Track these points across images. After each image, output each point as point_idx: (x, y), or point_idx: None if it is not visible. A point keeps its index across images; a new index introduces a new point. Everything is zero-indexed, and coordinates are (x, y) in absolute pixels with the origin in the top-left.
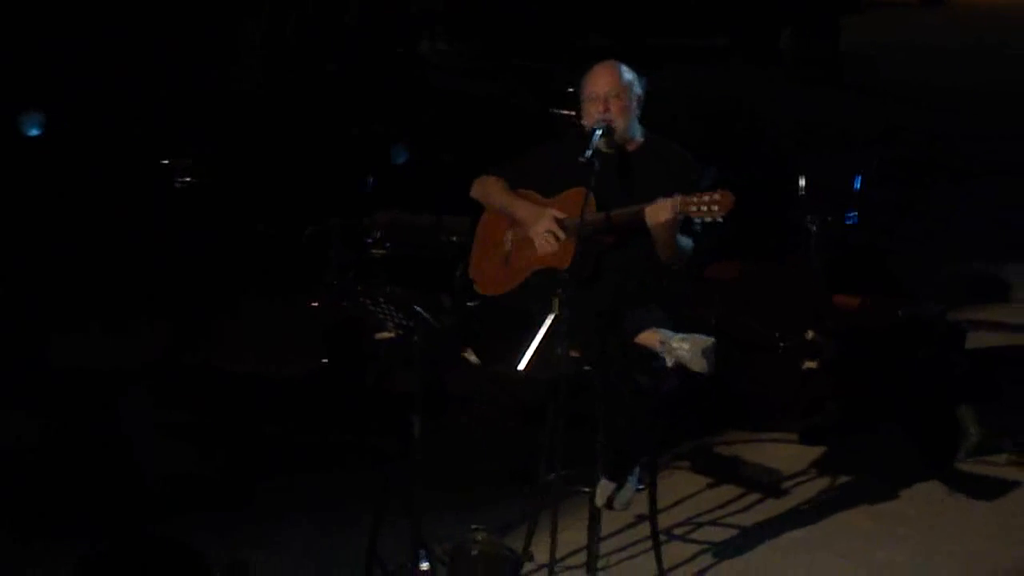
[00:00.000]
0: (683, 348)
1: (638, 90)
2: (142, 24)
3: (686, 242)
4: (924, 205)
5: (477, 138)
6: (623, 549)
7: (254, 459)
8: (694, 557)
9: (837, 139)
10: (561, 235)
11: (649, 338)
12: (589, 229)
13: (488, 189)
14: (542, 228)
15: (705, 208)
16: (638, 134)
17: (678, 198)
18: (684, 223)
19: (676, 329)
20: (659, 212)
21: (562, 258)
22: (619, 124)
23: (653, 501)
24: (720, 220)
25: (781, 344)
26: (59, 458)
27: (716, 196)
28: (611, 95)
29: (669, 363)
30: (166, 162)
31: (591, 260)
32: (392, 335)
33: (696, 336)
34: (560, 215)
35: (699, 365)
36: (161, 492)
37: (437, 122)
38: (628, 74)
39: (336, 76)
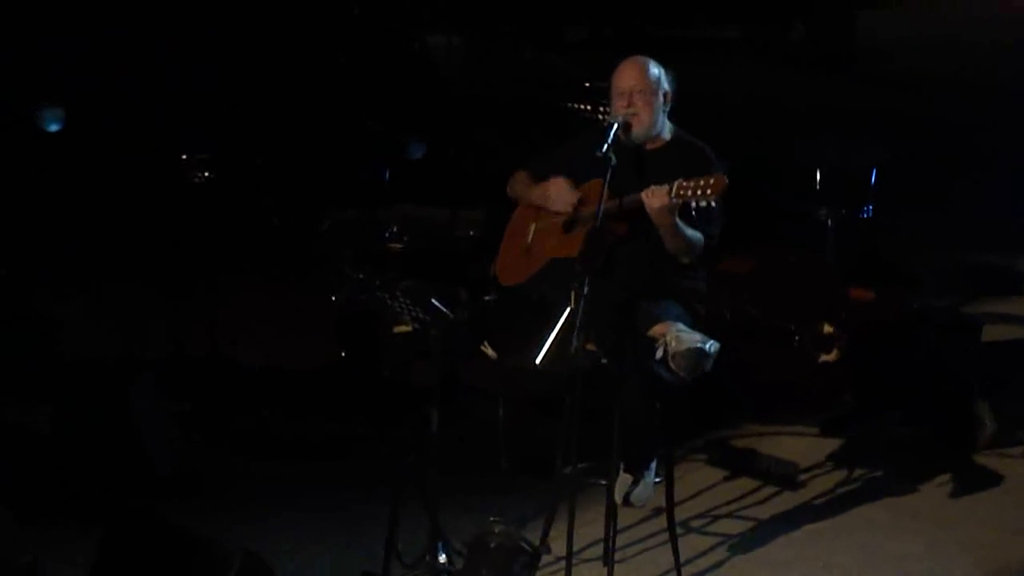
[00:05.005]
0: (672, 343)
1: (666, 86)
2: (156, 21)
3: (694, 234)
4: (940, 196)
5: (493, 133)
6: (640, 541)
7: (270, 451)
8: (711, 550)
9: (852, 131)
10: (573, 193)
11: (659, 331)
12: (597, 217)
13: (514, 183)
14: (553, 188)
15: (700, 192)
16: (665, 131)
17: (674, 183)
18: (683, 210)
19: (692, 324)
20: (655, 197)
21: (576, 247)
22: (644, 118)
23: (670, 494)
24: (713, 204)
25: (797, 337)
26: (70, 446)
27: (710, 180)
28: (635, 90)
29: (658, 354)
30: (184, 157)
31: (603, 250)
32: (409, 328)
33: (696, 335)
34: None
35: (679, 363)
36: (173, 481)
37: (453, 116)
38: (655, 69)
39: (349, 68)
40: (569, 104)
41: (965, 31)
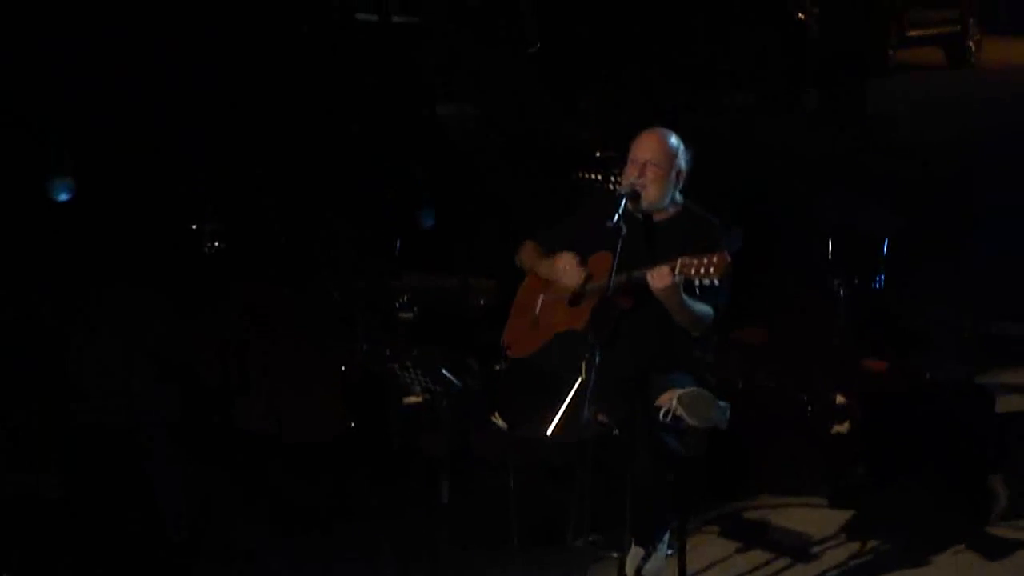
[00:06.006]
0: (681, 402)
1: (681, 163)
2: (170, 92)
3: (703, 308)
4: (952, 265)
5: (503, 200)
6: None
7: (279, 520)
8: None
9: (863, 201)
10: (581, 269)
11: (666, 398)
12: (605, 290)
13: (523, 253)
14: (561, 264)
15: (703, 270)
16: (673, 204)
17: (676, 261)
18: (687, 286)
19: None
20: (659, 277)
21: (581, 321)
22: (650, 191)
23: (682, 567)
24: (716, 283)
25: (809, 408)
26: (82, 511)
27: (713, 258)
28: (651, 162)
29: (663, 414)
30: (194, 227)
31: (610, 323)
32: (420, 399)
33: (700, 391)
34: (577, 266)
35: (693, 416)
36: (185, 547)
37: (462, 184)
38: (674, 144)
39: (360, 137)
40: (580, 173)
41: (972, 99)
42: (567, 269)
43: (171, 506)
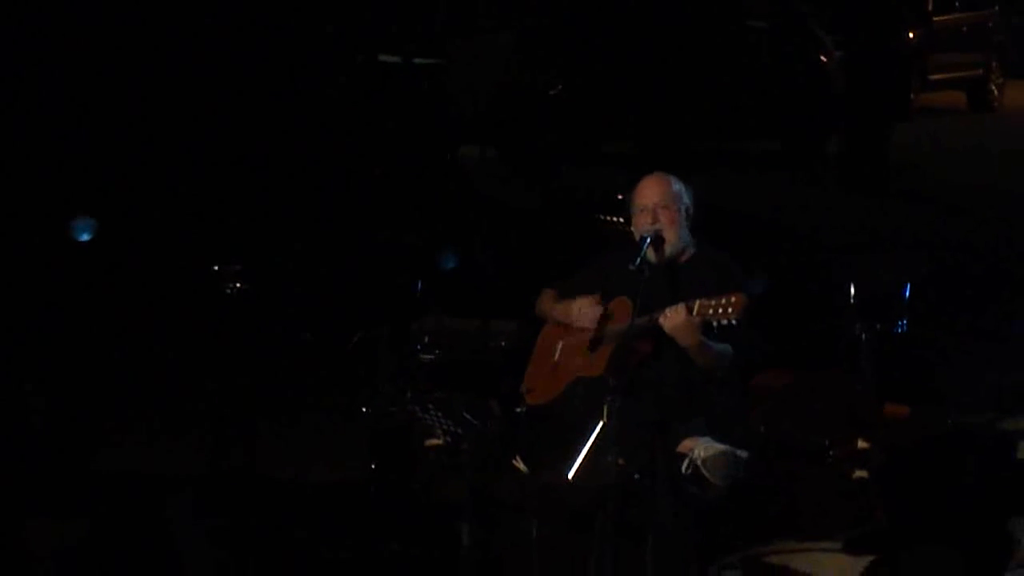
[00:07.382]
0: (705, 466)
1: (687, 200)
2: (190, 138)
3: (722, 347)
4: (974, 311)
5: (524, 243)
6: None
7: (299, 565)
8: None
9: (886, 245)
10: (597, 308)
11: (687, 447)
12: (625, 334)
13: (540, 301)
14: (576, 307)
15: (721, 311)
16: (690, 244)
17: (694, 302)
18: (706, 328)
19: (722, 439)
20: (674, 316)
21: (600, 366)
22: (669, 234)
23: None
24: (734, 323)
25: (830, 453)
26: (106, 563)
27: (731, 298)
28: (660, 206)
29: (684, 467)
30: (215, 268)
31: (628, 367)
32: (441, 442)
33: (721, 452)
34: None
35: (717, 477)
36: None
37: (485, 228)
38: (676, 185)
39: (383, 181)
40: (601, 216)
41: (995, 145)
42: (582, 310)
43: (195, 558)
